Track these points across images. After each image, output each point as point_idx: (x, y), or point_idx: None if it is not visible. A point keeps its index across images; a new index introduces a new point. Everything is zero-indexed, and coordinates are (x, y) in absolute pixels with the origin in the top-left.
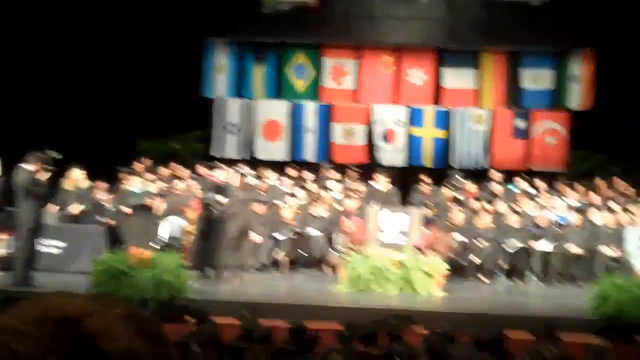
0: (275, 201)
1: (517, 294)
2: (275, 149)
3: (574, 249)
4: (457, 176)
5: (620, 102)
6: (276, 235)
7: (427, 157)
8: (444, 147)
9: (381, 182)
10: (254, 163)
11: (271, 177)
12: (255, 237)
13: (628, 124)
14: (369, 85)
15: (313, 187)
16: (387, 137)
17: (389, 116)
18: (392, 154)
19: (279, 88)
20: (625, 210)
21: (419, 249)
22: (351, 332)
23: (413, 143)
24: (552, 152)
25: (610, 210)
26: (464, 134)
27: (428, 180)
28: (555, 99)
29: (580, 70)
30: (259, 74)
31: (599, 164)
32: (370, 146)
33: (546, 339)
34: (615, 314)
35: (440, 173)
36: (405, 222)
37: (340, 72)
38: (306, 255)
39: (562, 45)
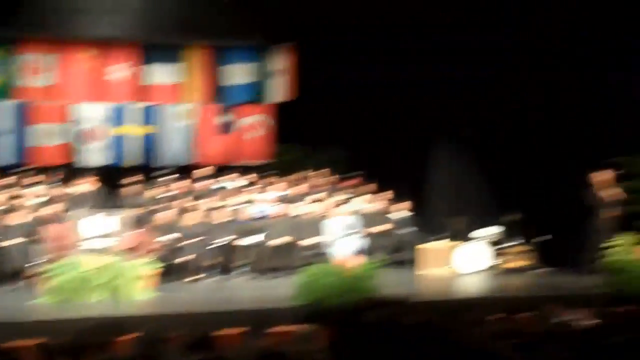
0: None
1: (227, 290)
2: None
3: (278, 240)
4: (163, 174)
5: (322, 94)
6: None
7: (133, 156)
8: (150, 145)
9: (84, 185)
10: None
11: None
12: None
13: (329, 116)
14: (68, 82)
15: (7, 193)
16: (90, 136)
17: (91, 114)
18: (95, 154)
19: None
20: (325, 199)
21: (126, 251)
22: (54, 347)
23: (117, 142)
24: (257, 146)
25: (313, 200)
26: (170, 131)
27: (134, 179)
28: (258, 93)
29: (282, 63)
30: None
31: (303, 156)
32: (71, 146)
33: (254, 333)
34: (318, 300)
35: (147, 171)
36: (111, 224)
37: (37, 69)
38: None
39: (264, 39)
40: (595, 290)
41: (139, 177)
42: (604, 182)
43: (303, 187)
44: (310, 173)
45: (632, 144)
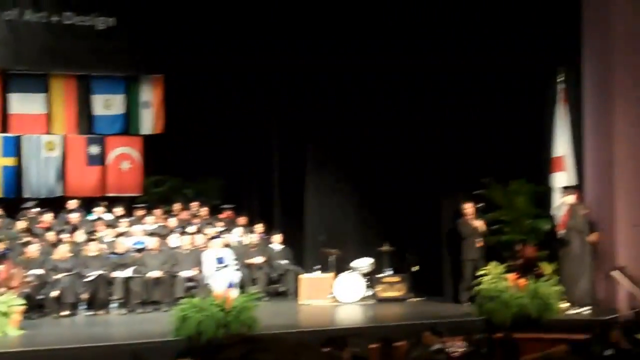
0: None
1: (100, 325)
2: None
3: (154, 273)
4: (30, 206)
5: (190, 126)
6: None
7: None
8: (14, 176)
9: None
10: None
11: None
12: None
13: (198, 147)
14: None
15: None
16: None
17: None
18: None
19: None
20: (200, 231)
21: None
22: None
23: None
24: (127, 178)
25: (187, 232)
26: (36, 162)
27: None
28: (127, 124)
29: (150, 95)
30: None
31: (174, 187)
32: None
33: None
34: (195, 334)
35: (13, 204)
36: None
37: None
38: None
39: (131, 70)
40: (466, 318)
41: (5, 209)
42: (472, 212)
43: (178, 219)
44: (184, 205)
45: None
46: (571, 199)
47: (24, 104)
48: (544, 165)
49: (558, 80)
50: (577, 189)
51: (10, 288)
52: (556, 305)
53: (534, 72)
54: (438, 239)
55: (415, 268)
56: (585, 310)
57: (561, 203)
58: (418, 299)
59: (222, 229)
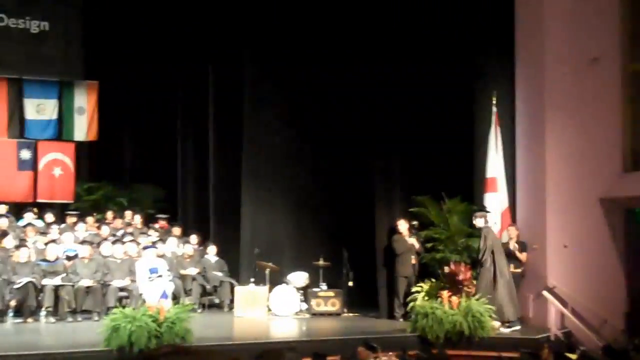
0: None
1: (28, 333)
2: None
3: (85, 282)
4: None
5: (124, 134)
6: None
7: None
8: None
9: None
10: None
11: None
12: None
13: (132, 155)
14: None
15: None
16: None
17: None
18: None
19: None
20: (134, 241)
21: None
22: None
23: None
24: (59, 184)
25: (120, 241)
26: None
27: None
28: (60, 130)
29: (84, 101)
30: None
31: (107, 195)
32: None
33: None
34: (127, 345)
35: None
36: None
37: None
38: None
39: (65, 75)
40: (401, 334)
41: None
42: (406, 229)
43: (111, 228)
44: (117, 213)
45: (429, 192)
46: (481, 222)
47: None
48: (478, 185)
49: (494, 101)
50: (487, 212)
51: None
52: (488, 323)
53: (469, 93)
54: (373, 255)
55: (350, 283)
56: (514, 328)
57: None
58: (352, 314)
59: (157, 238)
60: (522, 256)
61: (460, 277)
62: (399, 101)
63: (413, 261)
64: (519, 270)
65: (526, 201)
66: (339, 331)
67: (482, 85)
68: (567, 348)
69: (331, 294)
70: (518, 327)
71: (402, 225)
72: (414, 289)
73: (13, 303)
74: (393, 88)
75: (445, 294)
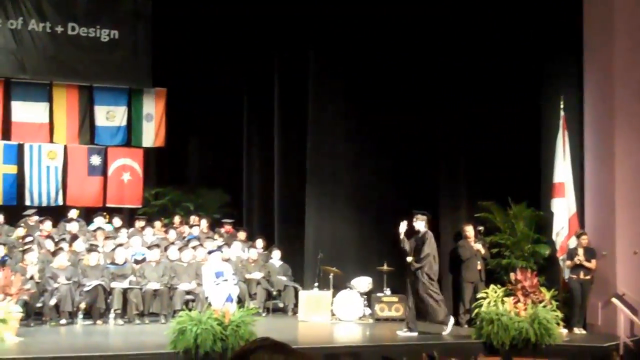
0: None
1: (98, 334)
2: None
3: (152, 285)
4: (30, 214)
5: (191, 140)
6: None
7: None
8: (15, 184)
9: None
10: None
11: None
12: None
13: (199, 161)
14: None
15: None
16: None
17: None
18: None
19: None
20: (200, 245)
21: None
22: None
23: None
24: (128, 189)
25: (186, 245)
26: (37, 170)
27: None
28: (129, 136)
29: (152, 108)
30: None
31: (174, 200)
32: None
33: None
34: (192, 347)
35: (14, 211)
36: None
37: None
38: None
39: (134, 83)
40: (465, 340)
41: (5, 216)
42: (472, 235)
43: (178, 232)
44: (184, 218)
45: (495, 197)
46: (422, 225)
47: (26, 113)
48: (545, 190)
49: (562, 106)
50: (427, 215)
51: (8, 295)
52: (556, 331)
53: (535, 99)
54: (439, 260)
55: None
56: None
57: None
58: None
59: (222, 243)
60: (591, 264)
61: (527, 283)
62: (465, 104)
63: (479, 267)
64: (588, 277)
65: (595, 207)
66: (403, 337)
67: (550, 90)
68: (637, 356)
69: (395, 299)
70: (452, 323)
71: (468, 231)
72: (479, 295)
73: (83, 305)
74: (460, 91)
75: (511, 300)
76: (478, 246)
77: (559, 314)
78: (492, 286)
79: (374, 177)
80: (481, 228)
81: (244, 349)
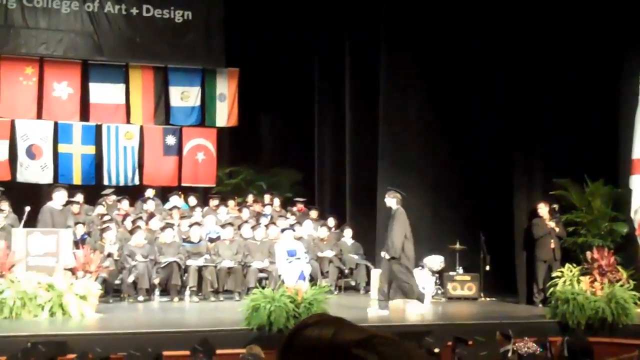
0: None
1: (173, 311)
2: None
3: (227, 263)
4: (108, 193)
5: (261, 118)
6: None
7: (77, 175)
8: (93, 164)
9: None
10: None
11: None
12: None
13: (272, 140)
14: (9, 98)
15: None
16: (33, 153)
17: (34, 131)
18: (39, 172)
19: None
20: (272, 223)
21: (70, 270)
22: None
23: (62, 160)
24: (202, 168)
25: (259, 224)
26: (115, 151)
27: (79, 198)
28: (203, 116)
29: (225, 88)
30: None
31: (247, 179)
32: (13, 163)
33: (201, 356)
34: (266, 324)
35: (92, 191)
36: (54, 242)
37: None
38: None
39: (208, 63)
40: (539, 320)
41: (85, 195)
42: (547, 213)
43: (251, 211)
44: (257, 197)
45: (571, 174)
46: (393, 202)
47: (103, 94)
48: (624, 167)
49: (639, 81)
50: (400, 192)
51: (88, 272)
52: (633, 310)
53: (613, 72)
54: (511, 239)
55: (487, 267)
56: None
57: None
58: (489, 298)
59: (294, 221)
60: None
61: (603, 262)
62: (540, 80)
63: (552, 245)
64: None
65: None
66: (475, 316)
67: (628, 64)
68: None
69: (468, 277)
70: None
71: (542, 209)
72: (554, 274)
73: (157, 281)
74: (534, 66)
75: (587, 279)
76: (552, 224)
77: (637, 293)
78: (567, 265)
79: (447, 155)
80: (556, 206)
81: (298, 326)
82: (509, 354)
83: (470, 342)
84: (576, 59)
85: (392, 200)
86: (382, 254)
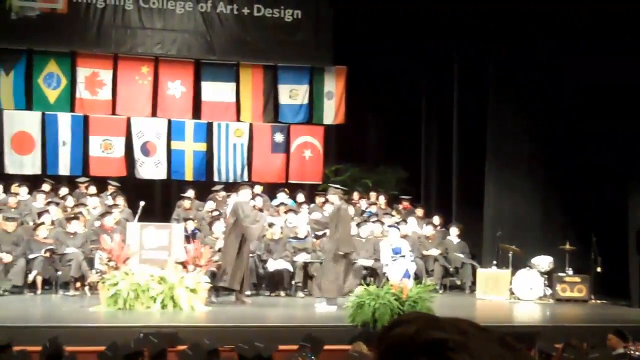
0: (28, 218)
1: (281, 306)
2: (26, 163)
3: None
4: (218, 189)
5: (368, 116)
6: (29, 254)
7: (189, 171)
8: (204, 161)
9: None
10: (4, 178)
11: (22, 192)
12: (4, 256)
13: (379, 137)
14: (126, 96)
15: (69, 202)
16: (148, 150)
17: (149, 129)
18: (153, 168)
19: (29, 98)
20: (378, 221)
21: (181, 264)
22: (113, 352)
23: (175, 156)
24: (309, 166)
25: (365, 221)
26: (225, 148)
27: (190, 194)
28: (310, 114)
29: (333, 86)
30: (7, 83)
31: (353, 177)
32: (129, 159)
33: (309, 349)
34: (370, 321)
35: (203, 187)
36: (166, 237)
37: (95, 82)
38: (61, 274)
39: (317, 61)
40: None
41: (195, 191)
42: None
43: (357, 208)
44: (363, 194)
45: None
46: (335, 199)
47: (215, 92)
48: None
49: None
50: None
51: (198, 266)
52: None
53: None
54: (625, 240)
55: (598, 269)
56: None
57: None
58: (600, 301)
59: (400, 219)
60: None
61: None
62: None
63: None
64: None
65: None
66: (585, 318)
67: None
68: None
69: (577, 279)
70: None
71: None
72: None
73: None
74: None
75: None
76: None
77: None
78: None
79: (557, 152)
80: None
81: (390, 323)
82: (623, 357)
83: (583, 344)
84: None
85: (334, 197)
86: (333, 248)
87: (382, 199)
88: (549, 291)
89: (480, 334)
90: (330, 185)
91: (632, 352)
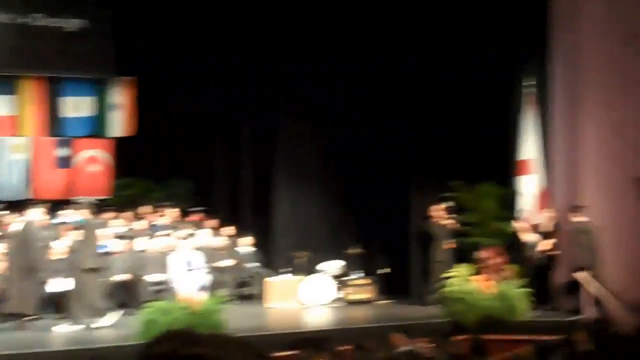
0: None
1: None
2: None
3: (120, 276)
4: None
5: (159, 129)
6: None
7: None
8: None
9: None
10: None
11: None
12: None
13: (167, 150)
14: None
15: None
16: None
17: None
18: None
19: None
20: (169, 234)
21: None
22: None
23: None
24: (96, 180)
25: (155, 235)
26: (3, 164)
27: None
28: (96, 127)
29: (121, 97)
30: None
31: (143, 190)
32: None
33: None
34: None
35: None
36: None
37: None
38: None
39: (102, 72)
40: (433, 319)
41: None
42: (440, 214)
43: (146, 222)
44: (153, 207)
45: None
46: (87, 213)
47: None
48: (511, 168)
49: (526, 83)
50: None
51: None
52: (522, 307)
53: (502, 75)
54: (406, 241)
55: (384, 270)
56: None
57: None
58: (386, 301)
59: (191, 231)
60: (556, 240)
61: (493, 261)
62: (432, 84)
63: (447, 246)
64: (553, 253)
65: (563, 182)
66: (373, 318)
67: (516, 66)
68: (602, 331)
69: (366, 281)
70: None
71: (437, 210)
72: (447, 274)
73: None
74: (426, 70)
75: (478, 278)
76: (447, 223)
77: (525, 290)
78: (459, 265)
79: (343, 160)
80: (447, 205)
81: (148, 343)
82: (408, 354)
83: (372, 345)
84: (466, 60)
85: (85, 212)
86: (81, 264)
87: (174, 212)
88: (339, 295)
89: (238, 348)
90: (79, 201)
91: (415, 349)
